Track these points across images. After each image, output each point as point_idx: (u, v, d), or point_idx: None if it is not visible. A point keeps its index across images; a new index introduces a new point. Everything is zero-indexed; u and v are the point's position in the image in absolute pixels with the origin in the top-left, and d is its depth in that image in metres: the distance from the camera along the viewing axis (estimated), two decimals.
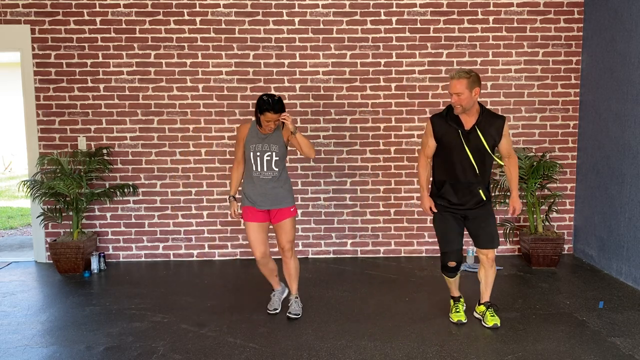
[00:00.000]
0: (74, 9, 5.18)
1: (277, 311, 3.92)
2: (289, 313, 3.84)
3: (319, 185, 5.42)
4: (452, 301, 3.84)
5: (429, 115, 5.20)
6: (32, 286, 4.69)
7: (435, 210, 3.56)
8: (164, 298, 4.28)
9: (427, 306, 4.05)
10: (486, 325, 3.63)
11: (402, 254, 5.51)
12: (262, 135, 3.67)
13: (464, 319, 3.70)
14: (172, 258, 5.47)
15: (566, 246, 5.52)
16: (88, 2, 5.17)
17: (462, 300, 3.83)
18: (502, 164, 3.66)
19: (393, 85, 5.32)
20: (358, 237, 5.48)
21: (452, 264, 3.56)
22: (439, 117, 3.44)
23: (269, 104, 3.50)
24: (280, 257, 4.00)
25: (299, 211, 5.43)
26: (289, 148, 3.90)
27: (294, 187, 5.36)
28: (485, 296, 3.75)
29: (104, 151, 5.24)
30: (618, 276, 4.70)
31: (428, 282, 4.65)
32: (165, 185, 5.39)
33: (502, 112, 5.36)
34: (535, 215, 5.11)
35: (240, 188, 3.91)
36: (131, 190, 5.31)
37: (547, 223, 5.25)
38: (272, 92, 5.29)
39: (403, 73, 5.31)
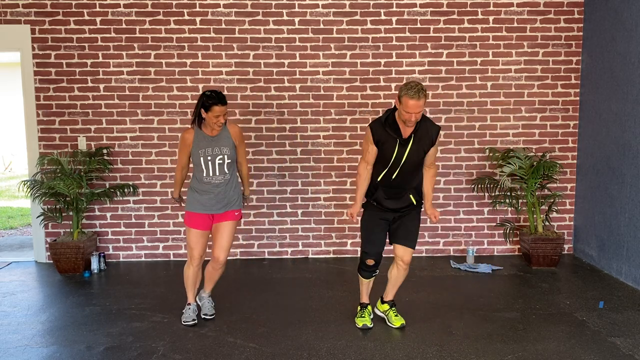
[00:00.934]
0: (74, 9, 5.18)
1: (196, 322, 3.73)
2: (205, 315, 3.80)
3: (319, 185, 5.42)
4: (359, 307, 3.77)
5: (429, 115, 5.20)
6: (32, 286, 4.69)
7: (354, 219, 3.59)
8: (164, 298, 4.28)
9: (427, 306, 4.05)
10: (392, 326, 3.64)
11: None
12: (210, 137, 3.57)
13: (369, 324, 3.66)
14: (172, 258, 5.47)
15: (566, 246, 5.52)
16: (88, 2, 5.17)
17: (369, 307, 3.77)
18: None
19: (393, 85, 5.32)
20: (358, 237, 5.48)
21: (371, 261, 3.54)
22: (378, 124, 3.43)
23: (215, 97, 3.45)
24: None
25: (299, 211, 5.43)
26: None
27: (295, 187, 5.40)
28: (390, 294, 3.75)
29: (104, 151, 5.24)
30: (618, 276, 4.70)
31: (428, 282, 4.65)
32: (165, 185, 5.39)
33: (502, 112, 5.37)
34: (535, 215, 5.11)
35: (184, 195, 3.92)
36: (131, 190, 5.31)
37: (547, 223, 5.25)
38: (272, 92, 5.30)
39: (403, 73, 5.31)
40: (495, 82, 5.35)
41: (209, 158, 3.55)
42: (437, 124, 3.61)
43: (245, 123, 5.32)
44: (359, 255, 5.44)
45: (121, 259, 5.45)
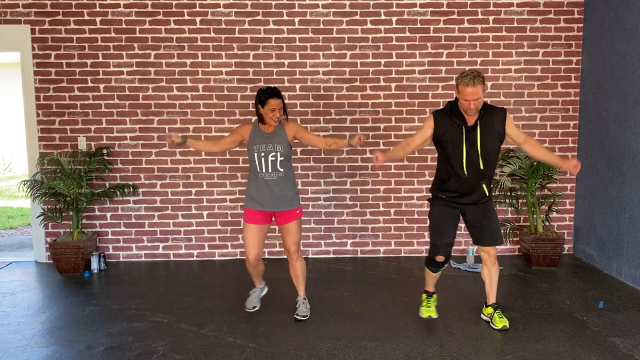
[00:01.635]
0: (74, 9, 5.18)
1: (257, 308, 3.94)
2: (297, 315, 3.81)
3: (319, 185, 5.42)
4: (424, 295, 3.84)
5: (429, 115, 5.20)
6: (32, 286, 4.69)
7: (380, 162, 3.46)
8: (164, 298, 4.28)
9: None
10: (495, 327, 3.59)
11: (402, 254, 5.51)
12: (266, 134, 3.65)
13: (434, 315, 3.73)
14: (172, 258, 5.47)
15: (566, 246, 5.52)
16: (88, 2, 5.17)
17: (435, 296, 3.84)
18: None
19: (393, 85, 5.32)
20: (358, 237, 5.48)
21: (441, 258, 3.55)
22: (441, 113, 3.43)
23: (270, 91, 3.54)
24: (285, 257, 3.97)
25: None
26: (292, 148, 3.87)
27: None
28: (492, 297, 3.70)
29: (104, 151, 5.24)
30: (618, 276, 4.70)
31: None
32: (165, 185, 5.39)
33: None
34: (535, 215, 5.11)
35: (244, 189, 3.89)
36: (131, 190, 5.31)
37: (547, 223, 5.25)
38: None
39: (403, 73, 5.31)
40: (495, 82, 5.35)
41: (262, 154, 3.61)
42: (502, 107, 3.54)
43: (245, 123, 5.31)
44: (359, 254, 5.46)
45: (121, 259, 5.45)
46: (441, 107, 5.29)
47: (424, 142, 3.52)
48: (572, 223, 5.54)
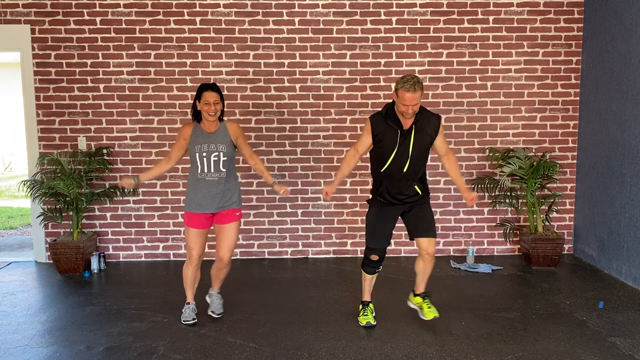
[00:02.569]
0: (74, 9, 5.18)
1: (195, 321, 3.74)
2: (212, 312, 3.81)
3: (319, 185, 5.42)
4: (361, 305, 3.79)
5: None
6: (32, 286, 4.69)
7: (327, 198, 3.62)
8: (164, 298, 4.28)
9: None
10: (425, 318, 3.65)
11: (402, 254, 5.51)
12: (208, 134, 3.56)
13: (373, 322, 3.68)
14: (172, 258, 5.47)
15: (566, 246, 5.52)
16: (88, 2, 5.17)
17: (371, 305, 3.79)
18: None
19: (393, 85, 5.32)
20: (358, 237, 5.48)
21: (375, 257, 3.60)
22: (378, 117, 3.48)
23: (205, 84, 3.52)
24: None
25: (299, 211, 5.43)
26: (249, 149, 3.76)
27: (295, 187, 5.39)
28: (421, 287, 3.76)
29: (104, 151, 5.24)
30: (618, 276, 4.70)
31: (428, 282, 4.64)
32: (165, 185, 5.39)
33: (502, 112, 5.37)
34: (535, 215, 5.11)
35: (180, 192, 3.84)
36: (131, 190, 5.31)
37: (547, 223, 5.25)
38: (272, 92, 5.30)
39: (403, 73, 5.30)
40: (495, 82, 5.35)
41: (204, 154, 3.53)
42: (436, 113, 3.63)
43: (245, 123, 5.32)
44: (359, 254, 5.46)
45: (121, 259, 5.45)
46: (441, 107, 5.33)
47: (367, 148, 3.57)
48: (572, 223, 5.54)
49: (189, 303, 3.82)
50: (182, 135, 3.61)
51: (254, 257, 5.48)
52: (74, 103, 5.27)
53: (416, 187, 3.55)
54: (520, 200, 5.26)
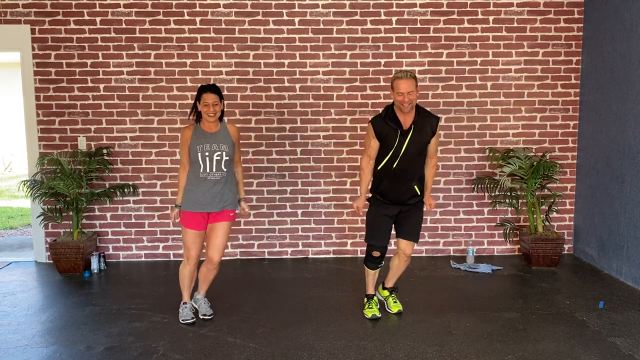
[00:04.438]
0: (74, 9, 5.18)
1: (194, 320, 3.78)
2: (204, 315, 3.82)
3: (319, 185, 5.42)
4: (365, 299, 3.92)
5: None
6: (32, 286, 4.69)
7: (361, 213, 3.80)
8: (164, 298, 4.28)
9: (427, 306, 4.05)
10: (390, 311, 3.86)
11: None
12: (209, 134, 3.59)
13: (378, 314, 3.80)
14: (172, 258, 5.47)
15: (566, 246, 5.52)
16: (88, 2, 5.17)
17: (375, 298, 3.90)
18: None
19: None
20: (358, 237, 5.48)
21: (377, 253, 3.69)
22: (378, 119, 3.57)
23: (205, 86, 3.56)
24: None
25: (299, 211, 5.43)
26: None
27: (294, 187, 5.40)
28: (391, 282, 3.93)
29: (104, 151, 5.24)
30: (618, 276, 4.70)
31: (428, 282, 4.65)
32: (165, 185, 5.39)
33: (502, 112, 5.37)
34: (535, 215, 5.11)
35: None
36: (131, 190, 5.31)
37: (547, 223, 5.25)
38: (272, 92, 5.30)
39: None
40: (495, 82, 5.35)
41: (207, 154, 3.56)
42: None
43: (245, 123, 5.32)
44: (359, 254, 5.46)
45: (121, 259, 5.45)
46: (441, 107, 5.33)
47: (377, 151, 3.63)
48: (572, 223, 5.54)
49: (185, 303, 3.85)
50: (184, 139, 3.63)
51: (254, 257, 5.48)
52: (74, 103, 5.27)
53: (415, 187, 3.62)
54: (520, 200, 5.26)
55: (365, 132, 4.02)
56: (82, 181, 5.05)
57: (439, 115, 3.74)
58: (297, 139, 5.36)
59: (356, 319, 3.79)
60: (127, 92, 5.28)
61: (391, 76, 5.26)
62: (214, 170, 3.58)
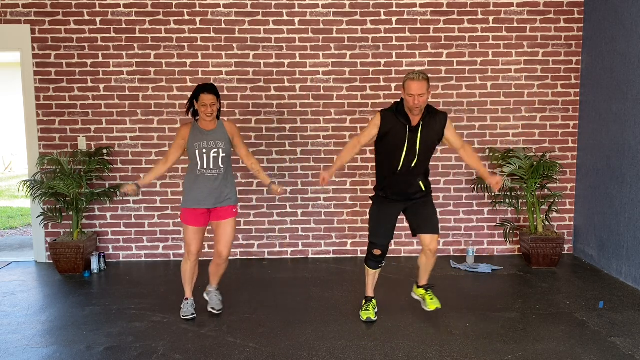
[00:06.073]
0: (74, 9, 5.18)
1: (194, 316, 3.82)
2: (212, 309, 3.86)
3: (319, 186, 5.42)
4: (364, 300, 3.87)
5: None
6: (32, 286, 4.69)
7: (324, 184, 3.61)
8: (164, 298, 4.28)
9: None
10: (427, 309, 3.77)
11: (402, 254, 5.51)
12: (206, 132, 3.66)
13: (373, 317, 3.76)
14: (172, 258, 5.47)
15: (566, 246, 5.52)
16: (88, 2, 5.17)
17: (374, 301, 3.85)
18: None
19: (393, 85, 5.32)
20: (358, 237, 5.48)
21: (378, 251, 3.65)
22: (388, 112, 3.53)
23: (203, 86, 3.59)
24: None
25: (299, 211, 5.43)
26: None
27: (295, 187, 5.40)
28: (424, 280, 3.86)
29: (104, 151, 5.24)
30: (618, 276, 4.70)
31: (428, 282, 4.64)
32: (165, 185, 5.39)
33: (502, 112, 5.37)
34: (535, 215, 5.11)
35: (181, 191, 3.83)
36: (132, 196, 5.30)
37: (547, 223, 5.25)
38: (272, 92, 5.30)
39: (403, 73, 5.30)
40: (495, 82, 5.35)
41: (204, 151, 3.61)
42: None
43: (245, 123, 5.32)
44: (359, 254, 5.46)
45: (121, 259, 5.45)
46: (441, 107, 5.34)
47: (370, 140, 3.61)
48: (572, 223, 5.54)
49: (187, 299, 3.89)
50: (181, 135, 3.68)
51: (254, 257, 5.48)
52: (74, 103, 5.27)
53: (421, 183, 3.61)
54: (520, 200, 5.26)
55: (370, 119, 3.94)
56: (82, 181, 5.05)
57: (447, 112, 3.68)
58: (297, 139, 5.36)
59: (356, 319, 3.79)
60: (127, 92, 5.28)
61: (392, 76, 5.31)
62: (212, 167, 3.64)
